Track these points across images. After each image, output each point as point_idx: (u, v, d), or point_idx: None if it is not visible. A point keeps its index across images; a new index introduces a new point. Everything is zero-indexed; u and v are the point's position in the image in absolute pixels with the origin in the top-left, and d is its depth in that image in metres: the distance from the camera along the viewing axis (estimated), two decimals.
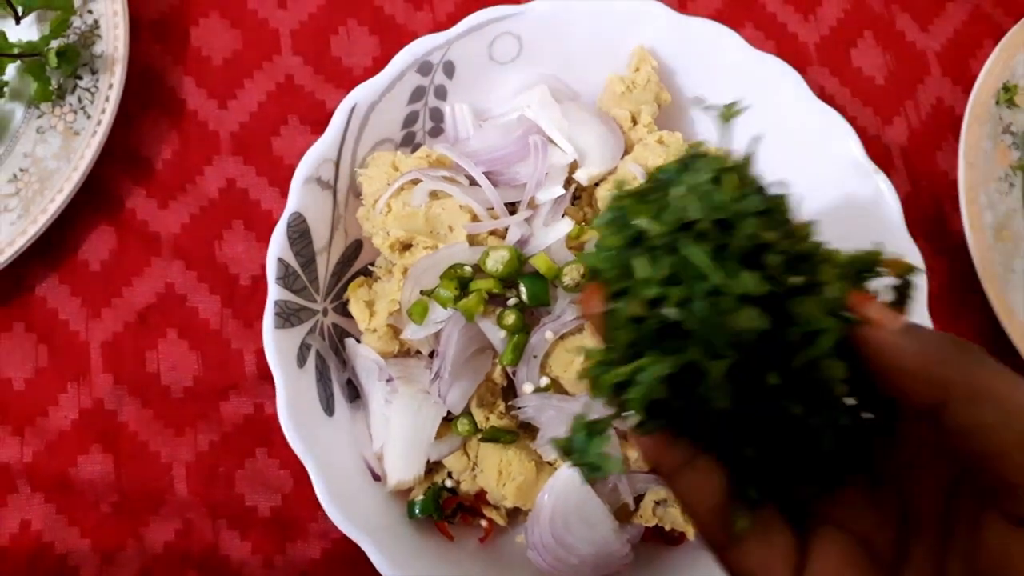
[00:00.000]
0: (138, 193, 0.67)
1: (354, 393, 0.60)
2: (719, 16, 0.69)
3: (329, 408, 0.57)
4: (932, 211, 0.78)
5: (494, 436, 0.55)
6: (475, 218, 0.56)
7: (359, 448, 0.58)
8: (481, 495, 0.59)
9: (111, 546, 0.61)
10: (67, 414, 0.63)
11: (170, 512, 0.62)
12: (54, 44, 0.65)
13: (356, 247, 0.62)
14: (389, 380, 0.55)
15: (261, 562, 0.62)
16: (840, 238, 0.64)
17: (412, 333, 0.55)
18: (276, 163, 0.69)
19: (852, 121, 0.79)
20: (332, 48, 0.72)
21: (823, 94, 0.79)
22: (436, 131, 0.64)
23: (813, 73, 0.79)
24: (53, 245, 0.66)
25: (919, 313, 0.61)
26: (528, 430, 0.57)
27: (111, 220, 0.67)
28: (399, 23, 0.73)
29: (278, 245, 0.56)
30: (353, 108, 0.59)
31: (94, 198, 0.66)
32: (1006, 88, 0.76)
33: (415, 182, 0.57)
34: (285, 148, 0.69)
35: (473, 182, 0.58)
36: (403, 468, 0.56)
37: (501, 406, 0.56)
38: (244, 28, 0.72)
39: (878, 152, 0.78)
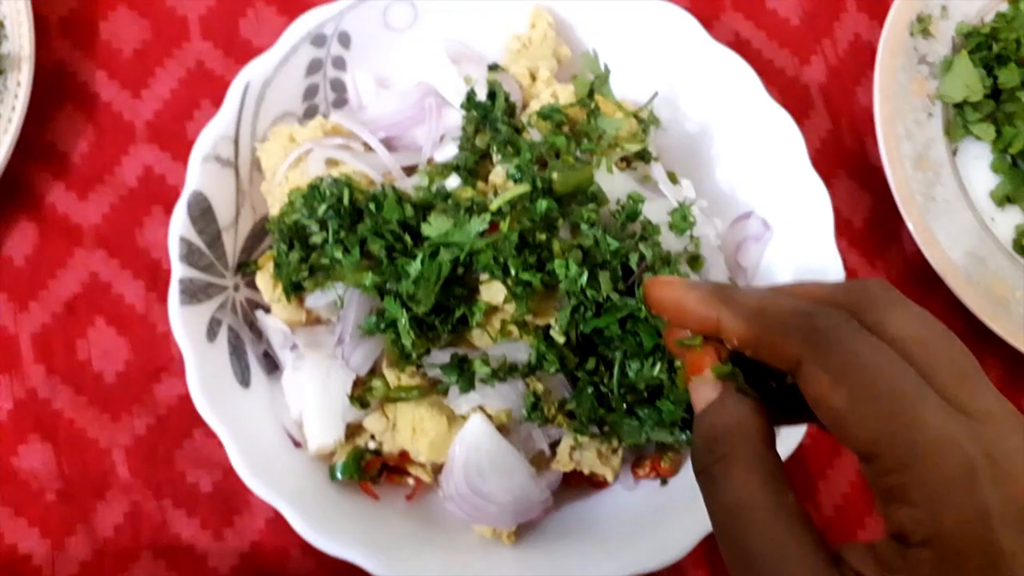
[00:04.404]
0: (57, 187, 0.68)
1: (273, 365, 0.61)
2: None
3: (244, 380, 0.58)
4: (855, 147, 0.78)
5: (399, 395, 0.56)
6: (371, 183, 0.57)
7: (279, 417, 0.59)
8: (405, 454, 0.59)
9: (60, 533, 0.63)
10: (1, 405, 0.64)
11: (116, 496, 0.64)
12: None
13: (266, 222, 0.63)
14: (293, 347, 0.56)
15: (211, 536, 0.64)
16: (749, 176, 0.66)
17: (314, 300, 0.56)
18: (192, 147, 0.70)
19: (768, 64, 0.80)
20: (241, 30, 0.73)
21: (738, 39, 0.79)
22: (340, 102, 0.65)
23: (727, 19, 0.79)
24: None
25: (827, 251, 0.62)
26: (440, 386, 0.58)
27: (31, 215, 0.68)
28: (306, 0, 0.74)
29: (179, 224, 0.57)
30: (247, 85, 0.60)
31: (13, 195, 0.67)
32: (920, 19, 0.76)
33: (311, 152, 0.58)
34: (200, 132, 0.70)
35: (370, 148, 0.59)
36: (321, 433, 0.57)
37: (412, 365, 0.57)
38: (152, 18, 0.73)
39: (797, 93, 0.78)
